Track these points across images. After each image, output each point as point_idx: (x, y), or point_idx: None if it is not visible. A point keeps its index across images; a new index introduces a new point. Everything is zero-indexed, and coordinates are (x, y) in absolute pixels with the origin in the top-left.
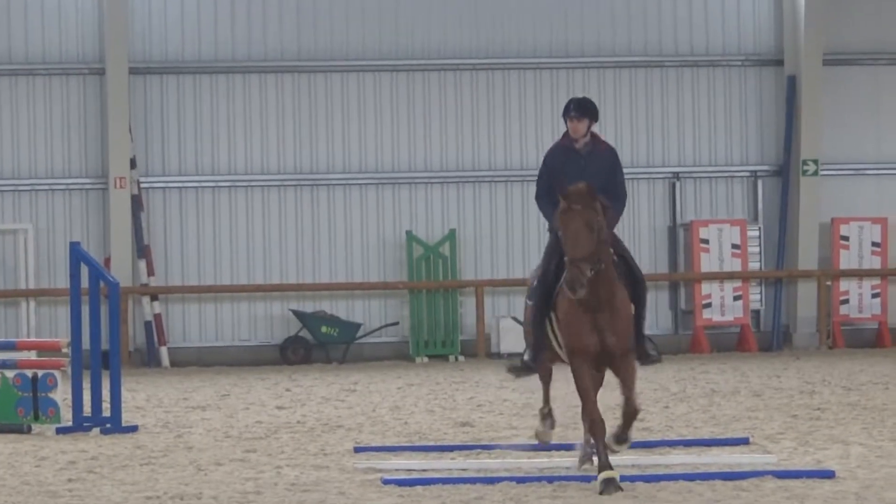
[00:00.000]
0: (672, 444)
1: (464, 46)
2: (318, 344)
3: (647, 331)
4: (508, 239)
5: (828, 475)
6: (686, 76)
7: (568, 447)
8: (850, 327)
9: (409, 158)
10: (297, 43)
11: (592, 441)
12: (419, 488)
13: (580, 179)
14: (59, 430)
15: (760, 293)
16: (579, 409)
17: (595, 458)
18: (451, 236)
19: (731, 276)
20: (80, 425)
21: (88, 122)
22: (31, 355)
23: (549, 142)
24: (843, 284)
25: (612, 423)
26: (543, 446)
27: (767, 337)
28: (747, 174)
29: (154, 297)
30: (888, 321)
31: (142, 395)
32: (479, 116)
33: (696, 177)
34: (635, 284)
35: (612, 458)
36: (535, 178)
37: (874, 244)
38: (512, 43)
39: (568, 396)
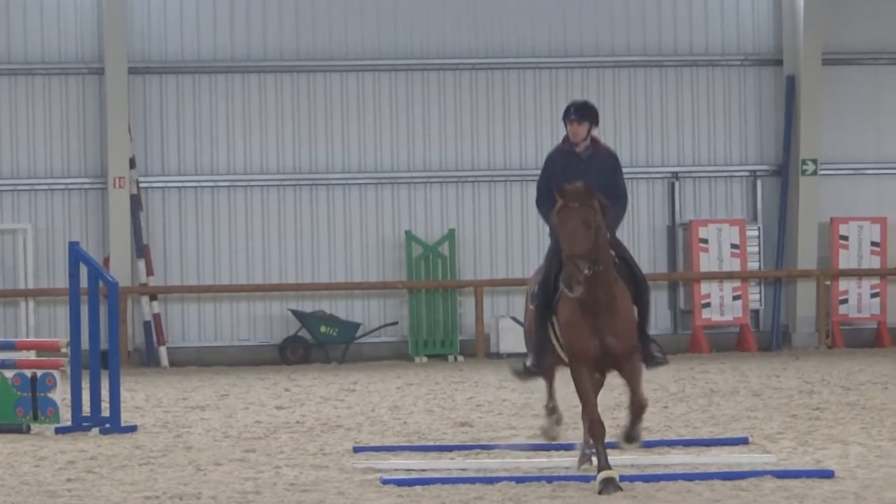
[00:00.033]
0: (671, 443)
1: (463, 46)
2: (317, 344)
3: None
4: (507, 239)
5: (827, 475)
6: (685, 76)
7: (567, 447)
8: (850, 327)
9: (408, 158)
10: (296, 43)
11: (592, 441)
12: (418, 488)
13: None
14: (58, 430)
15: (760, 293)
16: (579, 410)
17: (594, 459)
18: (451, 236)
19: (730, 275)
20: (79, 425)
21: (87, 122)
22: (31, 355)
23: (548, 142)
24: (843, 284)
25: (610, 423)
26: (542, 446)
27: (766, 337)
28: (746, 174)
29: (153, 297)
30: (887, 321)
31: (141, 395)
32: (478, 116)
33: (696, 176)
34: (637, 286)
35: (612, 458)
36: (535, 177)
37: (873, 244)
38: (511, 43)
39: (567, 397)
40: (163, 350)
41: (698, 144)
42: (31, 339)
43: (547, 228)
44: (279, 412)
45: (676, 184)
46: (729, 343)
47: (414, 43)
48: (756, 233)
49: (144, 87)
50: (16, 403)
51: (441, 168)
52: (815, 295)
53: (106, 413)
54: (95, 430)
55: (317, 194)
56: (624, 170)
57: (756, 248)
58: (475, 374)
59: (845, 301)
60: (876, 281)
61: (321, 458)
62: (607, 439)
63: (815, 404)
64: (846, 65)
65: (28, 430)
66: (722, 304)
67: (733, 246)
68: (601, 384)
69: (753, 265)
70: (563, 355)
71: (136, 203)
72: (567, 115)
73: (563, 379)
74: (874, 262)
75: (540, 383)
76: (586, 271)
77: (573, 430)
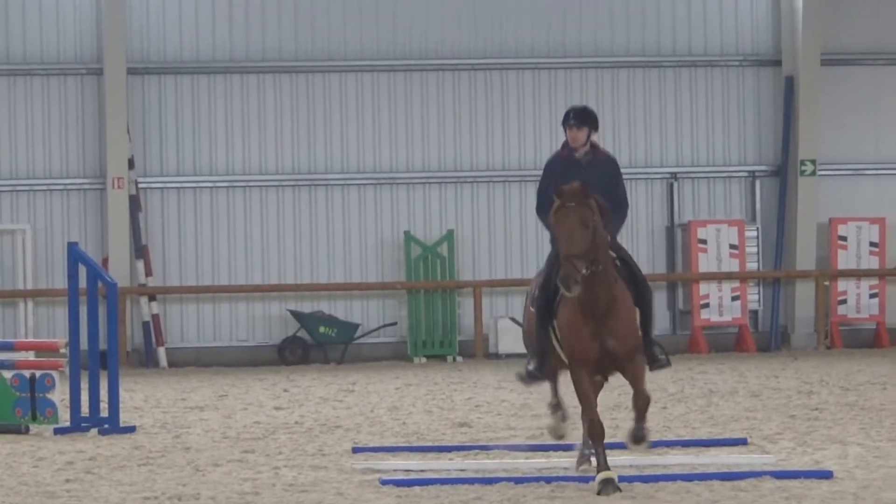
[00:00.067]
0: (670, 444)
1: (462, 46)
2: (316, 344)
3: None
4: (506, 239)
5: (826, 475)
6: (684, 76)
7: (566, 447)
8: (848, 327)
9: (406, 159)
10: (294, 43)
11: (591, 442)
12: (417, 489)
13: None
14: (57, 431)
15: (758, 293)
16: (578, 410)
17: (593, 459)
18: (449, 236)
19: (728, 276)
20: (78, 426)
21: (86, 123)
22: (29, 356)
23: (547, 142)
24: (841, 285)
25: (609, 423)
26: (541, 446)
27: (765, 337)
28: (745, 174)
29: (152, 298)
30: (886, 321)
31: (140, 396)
32: (477, 117)
33: (694, 177)
34: (638, 287)
35: (611, 459)
36: (534, 178)
37: (872, 244)
38: (510, 43)
39: (567, 396)
40: (161, 350)
41: (697, 145)
42: (30, 339)
43: (547, 233)
44: (278, 413)
45: (675, 184)
46: (728, 343)
47: (413, 43)
48: (755, 233)
49: (143, 87)
50: (14, 404)
51: (440, 168)
52: (814, 295)
53: (105, 414)
54: (94, 431)
55: (315, 195)
56: (623, 170)
57: (755, 249)
58: (474, 375)
59: (844, 301)
60: (875, 281)
61: (320, 458)
62: (613, 440)
63: (813, 405)
64: (845, 65)
65: (27, 431)
66: (721, 305)
67: (732, 246)
68: (601, 385)
69: (752, 266)
70: (564, 358)
71: (134, 203)
72: (566, 121)
73: (565, 379)
74: (873, 263)
75: (542, 383)
76: (584, 271)
77: (573, 431)
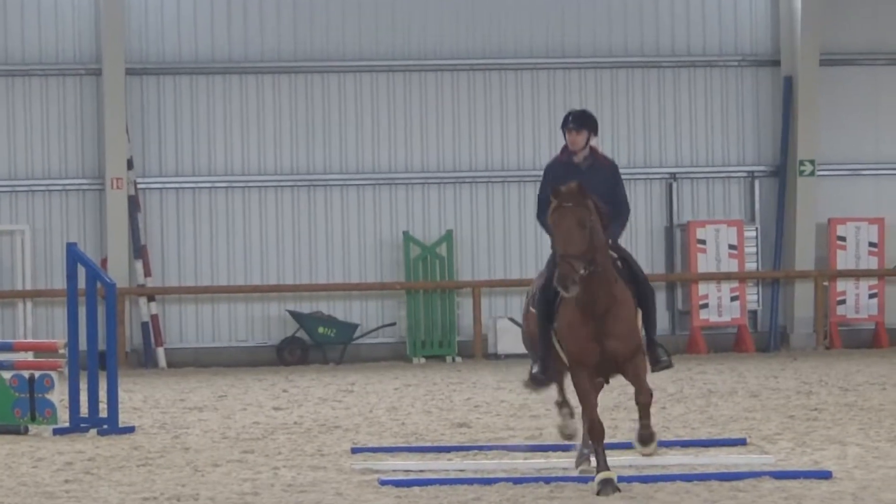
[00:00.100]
0: (669, 444)
1: (461, 47)
2: (315, 345)
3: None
4: (505, 239)
5: (825, 476)
6: (683, 76)
7: (565, 448)
8: (847, 328)
9: (405, 159)
10: (293, 43)
11: (591, 442)
12: (416, 489)
13: None
14: (56, 431)
15: (757, 294)
16: (578, 410)
17: (592, 459)
18: (448, 237)
19: (727, 276)
20: (77, 426)
21: (85, 123)
22: (28, 356)
23: (545, 143)
24: (840, 285)
25: (609, 423)
26: (540, 446)
27: (764, 337)
28: (744, 175)
29: (151, 298)
30: (885, 322)
31: (139, 396)
32: (475, 117)
33: (693, 177)
34: (640, 288)
35: (610, 459)
36: (532, 178)
37: (871, 244)
38: (509, 43)
39: (567, 395)
40: (161, 351)
41: (696, 145)
42: (29, 340)
43: (549, 238)
44: (277, 413)
45: (674, 184)
46: (727, 344)
47: (412, 43)
48: (754, 233)
49: (142, 87)
50: (14, 404)
51: (439, 169)
52: (813, 296)
53: (104, 414)
54: (93, 431)
55: (314, 195)
56: (622, 171)
57: (754, 249)
58: (473, 375)
59: (843, 302)
60: (874, 282)
61: (319, 458)
62: (612, 440)
63: (812, 405)
64: (844, 65)
65: (26, 431)
66: (720, 305)
67: (731, 247)
68: (601, 386)
69: (751, 266)
70: (565, 359)
71: (133, 204)
72: (565, 124)
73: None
74: (872, 263)
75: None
76: (582, 272)
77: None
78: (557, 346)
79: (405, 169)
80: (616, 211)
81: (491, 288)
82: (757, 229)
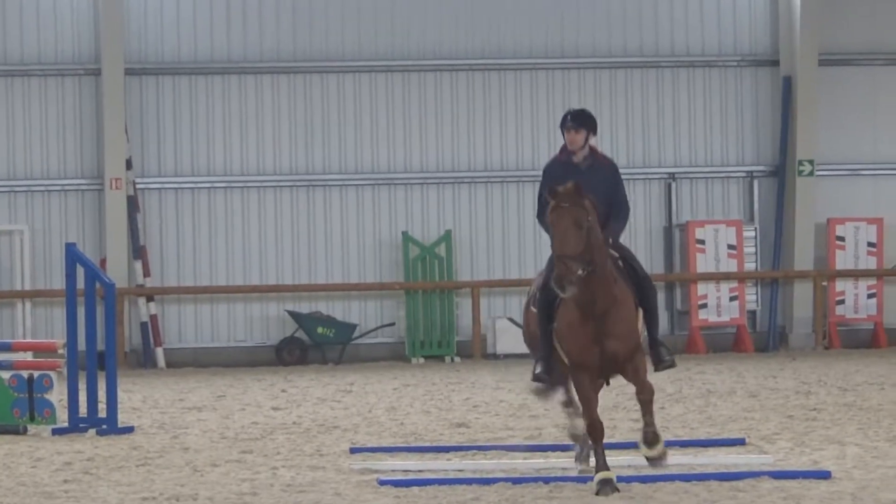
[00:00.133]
0: (668, 444)
1: (459, 47)
2: (314, 345)
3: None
4: (504, 239)
5: (824, 476)
6: (682, 77)
7: (564, 447)
8: (846, 328)
9: (404, 159)
10: (292, 44)
11: (590, 442)
12: (415, 489)
13: None
14: (55, 431)
15: (756, 294)
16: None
17: (592, 459)
18: (447, 237)
19: (727, 276)
20: (76, 426)
21: (84, 123)
22: (27, 356)
23: (544, 143)
24: (839, 285)
25: (609, 423)
26: (539, 446)
27: (763, 337)
28: (743, 175)
29: (150, 298)
30: (884, 321)
31: (138, 397)
32: (474, 117)
33: (692, 177)
34: (641, 287)
35: (609, 459)
36: (531, 178)
37: (870, 244)
38: (508, 43)
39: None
40: (160, 351)
41: (695, 145)
42: (28, 340)
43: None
44: (276, 413)
45: (673, 184)
46: (726, 344)
47: (411, 44)
48: (753, 233)
49: (141, 88)
50: (13, 404)
51: (438, 169)
52: (812, 296)
53: (103, 414)
54: (92, 432)
55: (313, 195)
56: (621, 171)
57: (753, 249)
58: (472, 375)
59: (842, 302)
60: (873, 282)
61: (318, 458)
62: (611, 440)
63: (811, 405)
64: (843, 65)
65: (25, 432)
66: (719, 305)
67: (730, 247)
68: (601, 386)
69: (750, 266)
70: (565, 359)
71: (132, 204)
72: (564, 124)
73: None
74: (871, 263)
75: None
76: (580, 272)
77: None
78: (558, 347)
79: (404, 169)
80: (617, 211)
81: (490, 288)
82: (756, 229)
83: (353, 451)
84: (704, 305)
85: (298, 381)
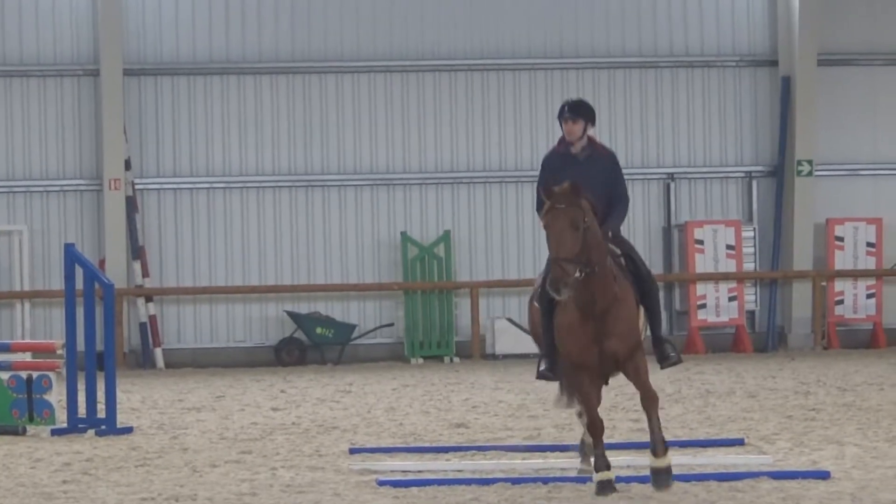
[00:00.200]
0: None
1: (458, 47)
2: (313, 345)
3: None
4: (503, 240)
5: (823, 476)
6: (680, 77)
7: (563, 448)
8: (845, 328)
9: (403, 159)
10: (291, 44)
11: (590, 442)
12: (414, 489)
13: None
14: (54, 432)
15: (755, 294)
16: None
17: (591, 459)
18: (446, 237)
19: (725, 276)
20: (75, 427)
21: (83, 124)
22: (26, 357)
23: (543, 143)
24: (838, 285)
25: (609, 423)
26: (538, 447)
27: (762, 338)
28: (742, 175)
29: (149, 299)
30: (883, 322)
31: (137, 397)
32: (473, 117)
33: (691, 177)
34: (643, 284)
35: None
36: (530, 178)
37: (869, 245)
38: (506, 43)
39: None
40: (158, 352)
41: (694, 145)
42: (27, 340)
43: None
44: (275, 414)
45: (672, 185)
46: (725, 344)
47: (409, 44)
48: (752, 234)
49: (140, 88)
50: (12, 405)
51: (436, 169)
52: (811, 296)
53: (102, 415)
54: (91, 432)
55: (312, 196)
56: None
57: (752, 249)
58: (471, 376)
59: (841, 302)
60: (872, 282)
61: (317, 459)
62: (610, 440)
63: (810, 405)
64: (842, 65)
65: (24, 432)
66: (718, 306)
67: (729, 247)
68: (601, 385)
69: (749, 266)
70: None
71: (131, 205)
72: (561, 114)
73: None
74: (870, 263)
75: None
76: (577, 274)
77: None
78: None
79: (403, 169)
80: (617, 202)
81: (489, 288)
82: (755, 229)
83: (353, 451)
84: (703, 306)
85: (297, 381)
